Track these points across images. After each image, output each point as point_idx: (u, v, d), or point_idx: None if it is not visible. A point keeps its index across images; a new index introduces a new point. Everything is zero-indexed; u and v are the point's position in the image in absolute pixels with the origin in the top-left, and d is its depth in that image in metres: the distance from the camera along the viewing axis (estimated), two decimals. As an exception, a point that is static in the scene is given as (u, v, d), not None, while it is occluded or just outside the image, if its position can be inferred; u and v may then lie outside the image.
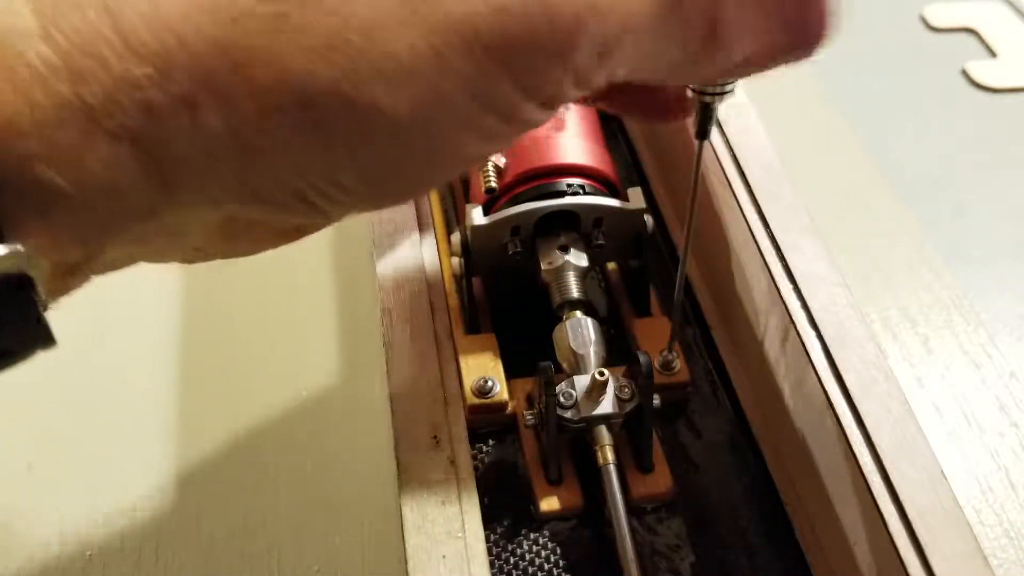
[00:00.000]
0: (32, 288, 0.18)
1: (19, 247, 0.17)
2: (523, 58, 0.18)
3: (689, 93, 0.26)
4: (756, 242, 0.33)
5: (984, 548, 0.27)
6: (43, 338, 0.18)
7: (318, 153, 0.18)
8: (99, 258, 0.20)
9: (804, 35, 0.22)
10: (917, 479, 0.27)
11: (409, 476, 0.29)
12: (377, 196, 0.20)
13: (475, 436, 0.34)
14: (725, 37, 0.20)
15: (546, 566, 0.31)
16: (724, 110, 0.37)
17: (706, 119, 0.26)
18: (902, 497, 0.27)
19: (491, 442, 0.35)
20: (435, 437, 0.30)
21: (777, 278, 0.32)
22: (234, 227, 0.22)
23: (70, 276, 0.20)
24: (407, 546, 0.27)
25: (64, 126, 0.17)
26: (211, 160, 0.18)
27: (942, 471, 0.27)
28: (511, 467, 0.34)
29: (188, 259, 0.23)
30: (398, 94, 0.18)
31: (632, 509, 0.32)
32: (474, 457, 0.33)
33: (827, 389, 0.29)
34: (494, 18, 0.17)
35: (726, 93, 0.25)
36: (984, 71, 0.58)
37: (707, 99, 0.26)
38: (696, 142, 0.27)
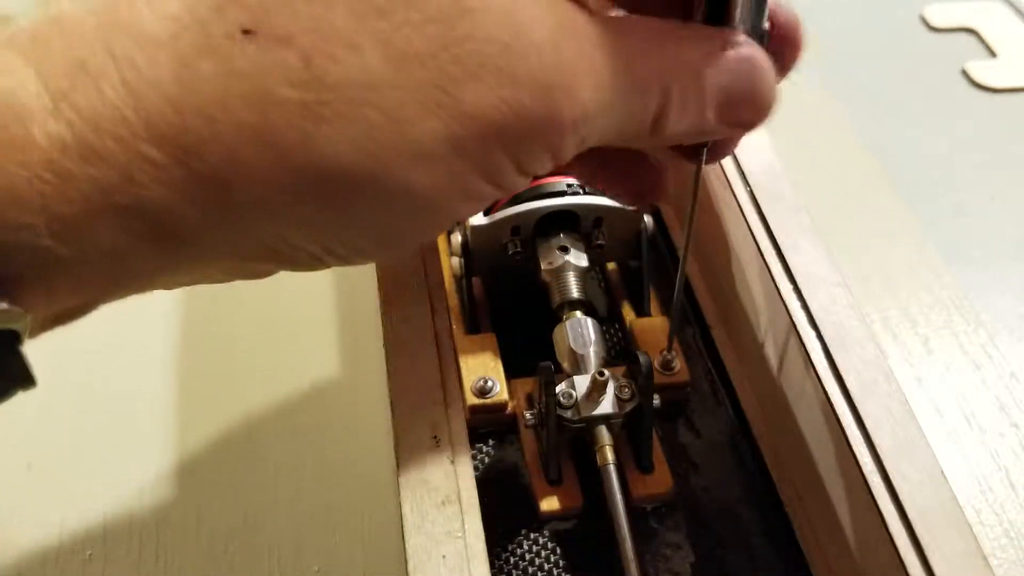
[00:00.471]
0: (17, 339, 0.18)
1: (9, 306, 0.18)
2: (526, 146, 0.21)
3: None
4: (756, 242, 0.33)
5: (984, 548, 0.27)
6: (23, 381, 0.19)
7: (338, 224, 0.20)
8: (95, 306, 0.21)
9: (739, 122, 0.24)
10: (917, 479, 0.27)
11: (409, 476, 0.29)
12: (380, 254, 0.23)
13: (475, 436, 0.34)
14: (663, 127, 0.23)
15: (546, 566, 0.31)
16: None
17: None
18: (902, 497, 0.27)
19: (491, 442, 0.35)
20: (435, 437, 0.30)
21: (777, 278, 0.32)
22: (233, 270, 0.23)
23: (63, 320, 0.21)
24: (407, 546, 0.27)
25: (71, 202, 0.18)
26: (231, 231, 0.20)
27: (942, 471, 0.27)
28: (511, 467, 0.34)
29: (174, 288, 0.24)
30: (418, 174, 0.20)
31: (632, 509, 0.32)
32: (474, 457, 0.33)
33: (827, 389, 0.29)
34: (508, 112, 0.20)
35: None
36: (984, 71, 0.58)
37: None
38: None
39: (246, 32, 0.19)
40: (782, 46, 0.25)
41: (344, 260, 0.22)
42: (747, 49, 0.24)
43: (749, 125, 0.25)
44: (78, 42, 0.18)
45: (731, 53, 0.23)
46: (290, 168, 0.19)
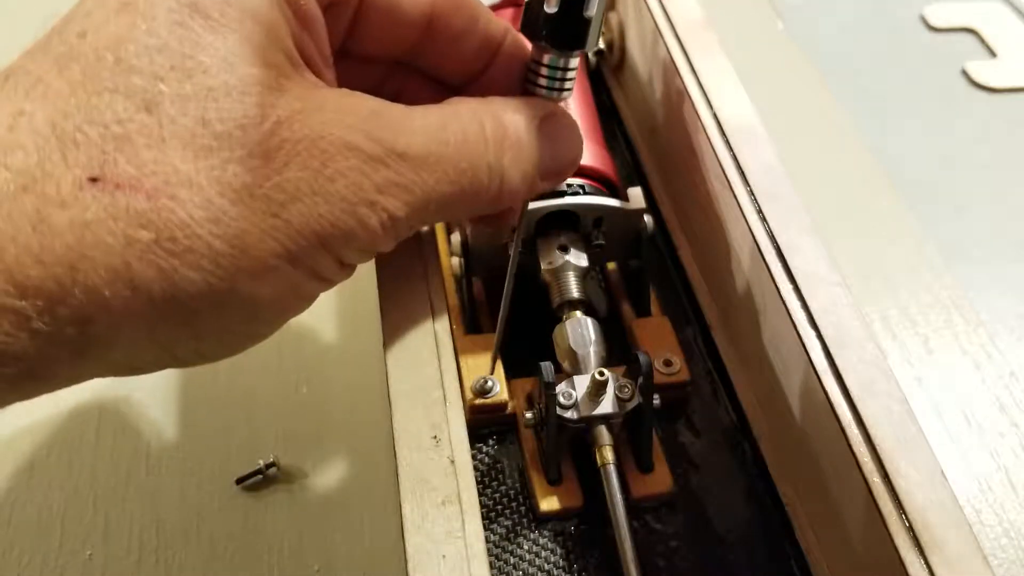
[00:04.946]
0: None
1: None
2: (346, 248, 0.24)
3: None
4: (756, 242, 0.33)
5: (984, 548, 0.27)
6: None
7: (188, 338, 0.23)
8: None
9: (556, 179, 0.30)
10: (917, 479, 0.27)
11: (409, 476, 0.29)
12: (223, 355, 0.25)
13: (475, 436, 0.34)
14: (501, 197, 0.28)
15: (546, 566, 0.31)
16: (725, 110, 0.37)
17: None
18: (902, 497, 0.27)
19: (491, 442, 0.35)
20: (435, 437, 0.30)
21: (777, 278, 0.32)
22: (102, 375, 0.25)
23: None
24: (407, 546, 0.27)
25: None
26: (91, 359, 0.22)
27: (942, 471, 0.27)
28: (511, 467, 0.34)
29: None
30: (261, 287, 0.23)
31: (632, 509, 0.32)
32: (474, 457, 0.33)
33: (827, 389, 0.29)
34: (327, 225, 0.23)
35: None
36: (984, 71, 0.58)
37: None
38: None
39: (93, 180, 0.20)
40: None
41: (187, 364, 0.25)
42: (563, 114, 0.29)
43: (560, 182, 0.30)
44: None
45: (554, 118, 0.29)
46: (148, 300, 0.21)
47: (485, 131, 0.26)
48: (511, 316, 0.32)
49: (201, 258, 0.21)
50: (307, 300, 0.25)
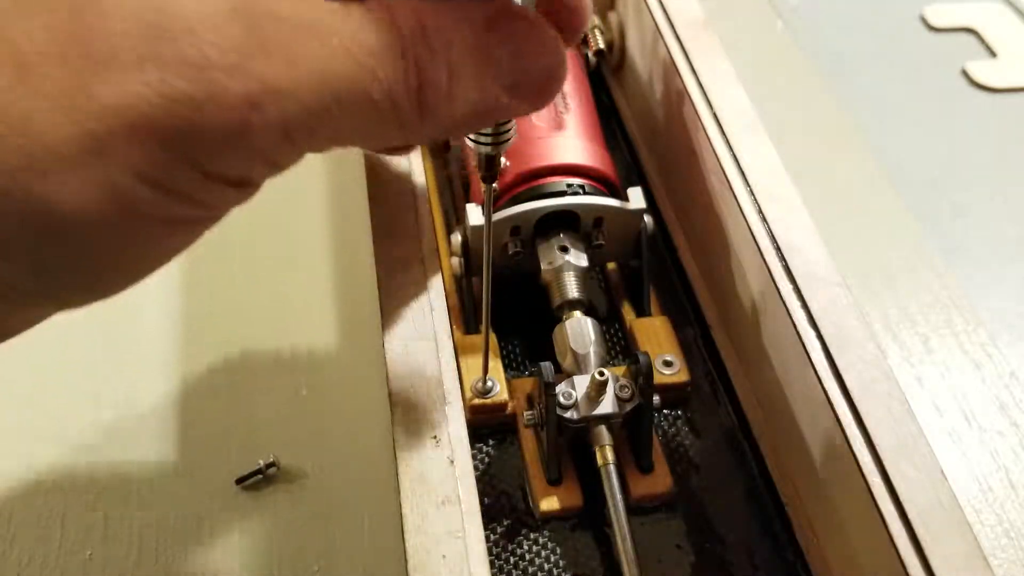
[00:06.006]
0: None
1: None
2: (196, 143, 0.17)
3: (469, 144, 0.25)
4: (756, 242, 0.33)
5: (984, 548, 0.27)
6: None
7: None
8: None
9: (529, 92, 0.21)
10: (917, 479, 0.27)
11: (409, 476, 0.29)
12: (72, 296, 0.20)
13: (475, 436, 0.34)
14: (435, 105, 0.19)
15: (546, 566, 0.31)
16: (725, 110, 0.37)
17: (491, 166, 0.26)
18: (902, 497, 0.27)
19: (491, 442, 0.35)
20: (435, 437, 0.30)
21: (777, 278, 0.32)
22: None
23: None
24: (407, 546, 0.27)
25: None
26: None
27: (942, 471, 0.27)
28: (511, 467, 0.34)
29: None
30: (62, 188, 0.16)
31: (632, 509, 0.32)
32: (474, 457, 0.33)
33: (827, 389, 0.29)
34: (159, 102, 0.16)
35: (504, 142, 0.25)
36: (984, 71, 0.58)
37: (485, 149, 0.25)
38: (483, 186, 0.27)
39: None
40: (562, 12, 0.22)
41: (13, 304, 0.19)
42: (525, 10, 0.20)
43: (539, 98, 0.21)
44: None
45: (512, 12, 0.20)
46: None
47: (407, 20, 0.19)
48: (494, 308, 0.31)
49: None
50: (169, 224, 0.19)
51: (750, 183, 0.35)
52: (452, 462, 0.29)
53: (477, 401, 0.33)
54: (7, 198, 0.16)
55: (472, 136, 0.25)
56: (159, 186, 0.17)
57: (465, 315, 0.36)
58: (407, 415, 0.30)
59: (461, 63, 0.19)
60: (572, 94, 0.39)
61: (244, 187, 0.19)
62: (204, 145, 0.17)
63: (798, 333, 0.31)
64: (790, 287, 0.32)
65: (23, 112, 0.16)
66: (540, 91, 0.21)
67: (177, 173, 0.17)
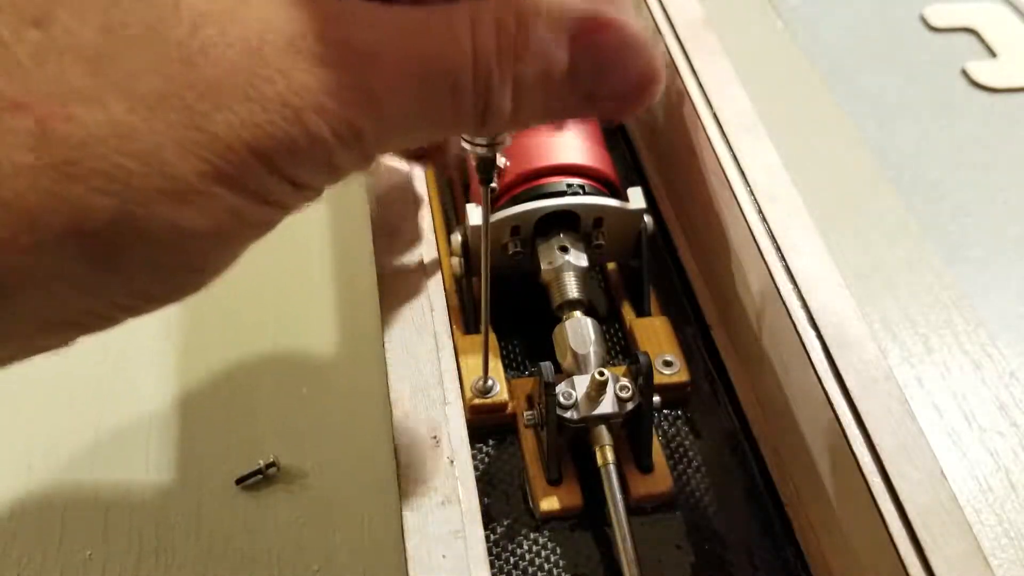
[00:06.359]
0: None
1: None
2: (293, 164, 0.20)
3: (466, 146, 0.26)
4: (756, 242, 0.33)
5: (984, 548, 0.27)
6: None
7: (118, 277, 0.20)
8: None
9: (612, 102, 0.22)
10: (917, 479, 0.27)
11: (409, 476, 0.29)
12: (175, 296, 0.22)
13: (475, 436, 0.34)
14: (497, 125, 0.22)
15: (546, 566, 0.31)
16: (725, 110, 0.37)
17: (487, 169, 0.26)
18: (902, 497, 0.27)
19: (491, 442, 0.35)
20: (435, 437, 0.30)
21: (777, 278, 0.32)
22: (25, 349, 0.22)
23: None
24: (407, 546, 0.27)
25: None
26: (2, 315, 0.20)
27: (942, 471, 0.27)
28: (511, 467, 0.34)
29: None
30: (187, 212, 0.19)
31: (632, 509, 0.32)
32: (474, 457, 0.33)
33: (827, 389, 0.29)
34: (264, 137, 0.20)
35: (499, 144, 0.25)
36: (984, 71, 0.58)
37: (481, 152, 0.26)
38: (481, 189, 0.27)
39: None
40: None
41: (136, 311, 0.21)
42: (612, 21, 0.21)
43: (628, 103, 0.22)
44: None
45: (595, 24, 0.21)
46: (52, 235, 0.19)
47: (481, 31, 0.21)
48: (494, 308, 0.32)
49: (110, 182, 0.18)
50: (261, 227, 0.22)
51: (750, 183, 0.35)
52: (452, 462, 0.29)
53: (477, 401, 0.33)
54: (139, 222, 0.19)
55: (467, 138, 0.25)
56: (263, 200, 0.21)
57: (465, 315, 0.36)
58: (407, 415, 0.30)
59: (528, 88, 0.21)
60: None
61: (307, 191, 0.22)
62: (299, 165, 0.20)
63: (798, 333, 0.31)
64: (790, 287, 0.32)
65: (152, 146, 0.19)
66: (627, 100, 0.22)
67: (276, 187, 0.21)
